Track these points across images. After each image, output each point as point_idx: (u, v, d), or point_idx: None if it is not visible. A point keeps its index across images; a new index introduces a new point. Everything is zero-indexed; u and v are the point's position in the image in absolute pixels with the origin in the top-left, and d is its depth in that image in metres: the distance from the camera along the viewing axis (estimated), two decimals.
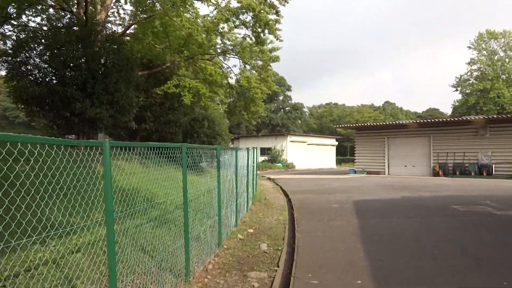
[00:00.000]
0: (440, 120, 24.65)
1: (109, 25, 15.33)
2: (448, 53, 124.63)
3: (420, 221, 9.32)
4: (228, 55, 17.03)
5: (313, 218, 10.26)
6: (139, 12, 15.15)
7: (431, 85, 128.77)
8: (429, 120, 24.33)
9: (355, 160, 29.06)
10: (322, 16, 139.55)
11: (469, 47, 53.52)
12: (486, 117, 24.16)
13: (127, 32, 15.49)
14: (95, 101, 11.85)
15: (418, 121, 24.48)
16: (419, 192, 15.47)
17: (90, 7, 13.09)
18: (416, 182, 20.22)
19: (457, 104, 57.03)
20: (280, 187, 20.26)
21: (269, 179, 26.35)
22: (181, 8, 12.55)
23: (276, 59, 16.83)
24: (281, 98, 77.65)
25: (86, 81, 11.74)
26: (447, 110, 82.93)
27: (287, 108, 77.41)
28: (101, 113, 11.88)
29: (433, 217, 9.82)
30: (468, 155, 23.19)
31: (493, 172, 22.16)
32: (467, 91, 54.21)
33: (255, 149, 17.13)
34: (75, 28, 12.94)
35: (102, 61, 12.62)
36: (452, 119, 23.88)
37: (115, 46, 12.92)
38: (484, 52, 53.01)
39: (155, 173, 6.22)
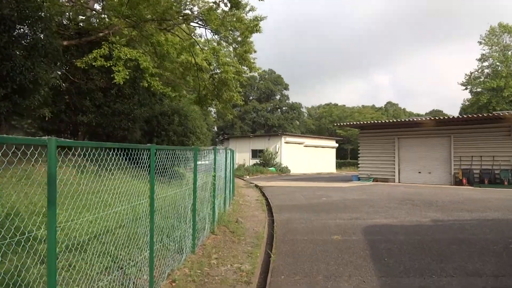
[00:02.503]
0: (464, 116, 20.32)
1: None
2: (449, 54, 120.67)
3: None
4: (192, 24, 12.83)
5: (300, 269, 5.96)
6: None
7: (432, 87, 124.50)
8: (449, 117, 20.08)
9: (358, 165, 24.73)
10: (321, 20, 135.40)
11: (480, 42, 49.23)
12: None
13: None
14: None
15: (435, 118, 20.25)
16: (453, 211, 11.14)
17: None
18: (439, 194, 15.90)
19: (467, 103, 52.76)
20: (266, 199, 16.01)
21: (256, 186, 22.05)
22: None
23: (256, 28, 12.54)
24: (278, 97, 73.46)
25: None
26: (452, 111, 78.86)
27: (284, 108, 73.13)
28: None
29: None
30: (499, 160, 18.88)
31: None
32: (478, 89, 49.95)
33: (228, 152, 12.81)
34: None
35: None
36: (478, 115, 19.55)
37: None
38: (496, 47, 48.80)
39: None
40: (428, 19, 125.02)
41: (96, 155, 3.81)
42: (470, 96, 52.47)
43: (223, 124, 72.05)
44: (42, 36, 9.45)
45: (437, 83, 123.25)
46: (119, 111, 13.48)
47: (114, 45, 10.42)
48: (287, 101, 73.58)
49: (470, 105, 50.60)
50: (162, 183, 6.59)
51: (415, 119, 20.83)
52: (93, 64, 10.30)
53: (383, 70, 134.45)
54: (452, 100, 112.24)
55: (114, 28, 10.90)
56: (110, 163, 4.26)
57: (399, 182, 22.30)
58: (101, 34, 11.07)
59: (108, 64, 10.35)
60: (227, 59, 12.70)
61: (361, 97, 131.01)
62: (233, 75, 12.66)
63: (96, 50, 10.23)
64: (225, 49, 13.95)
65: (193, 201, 6.83)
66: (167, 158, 5.78)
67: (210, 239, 7.99)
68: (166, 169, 5.97)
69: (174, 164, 6.26)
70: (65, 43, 10.48)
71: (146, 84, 11.18)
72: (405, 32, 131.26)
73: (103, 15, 11.73)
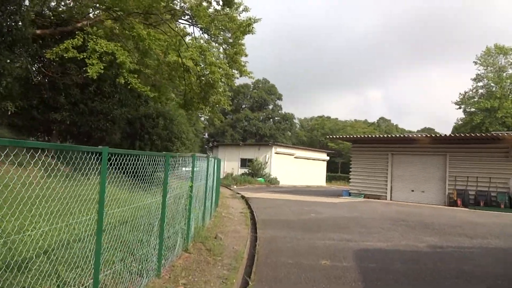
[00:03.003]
0: (461, 135, 19.59)
1: None
2: (443, 73, 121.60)
3: None
4: (180, 21, 11.93)
5: None
6: None
7: (424, 105, 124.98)
8: (446, 135, 19.36)
9: (350, 180, 23.88)
10: (316, 32, 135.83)
11: (475, 62, 49.18)
12: None
13: None
14: None
15: (431, 135, 19.51)
16: (452, 236, 10.28)
17: None
18: (434, 215, 15.08)
19: (460, 123, 52.51)
20: (252, 211, 15.07)
21: (243, 197, 21.07)
22: None
23: (249, 28, 11.66)
24: (270, 107, 72.76)
25: None
26: (444, 130, 78.82)
27: (276, 118, 72.36)
28: None
29: None
30: (495, 182, 18.17)
31: None
32: (472, 109, 49.76)
33: (211, 160, 11.87)
34: None
35: None
36: (476, 135, 18.87)
37: None
38: (491, 68, 48.76)
39: None
40: (424, 37, 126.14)
41: (68, 157, 3.47)
42: (463, 116, 52.36)
43: (214, 131, 71.05)
44: (9, 21, 8.50)
45: (430, 102, 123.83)
46: (97, 110, 12.50)
47: (89, 36, 9.45)
48: (279, 111, 72.87)
49: (463, 124, 50.37)
50: (135, 191, 5.67)
51: (410, 135, 20.12)
52: (65, 55, 9.30)
53: (376, 86, 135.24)
54: (444, 118, 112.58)
55: (94, 20, 9.96)
56: (87, 167, 3.90)
57: (391, 199, 21.48)
58: (79, 25, 10.12)
59: (81, 56, 9.35)
60: (215, 59, 11.76)
61: (353, 111, 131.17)
62: (220, 77, 11.72)
63: (69, 41, 9.24)
64: (214, 49, 13.03)
65: (161, 215, 5.86)
66: (135, 164, 4.88)
67: (182, 258, 7.00)
68: (141, 176, 5.10)
69: (146, 173, 5.37)
70: (38, 31, 9.49)
71: (123, 81, 10.19)
72: (400, 48, 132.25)
73: (83, 5, 10.79)
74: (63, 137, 13.08)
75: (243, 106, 71.95)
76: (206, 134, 73.28)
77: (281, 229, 10.64)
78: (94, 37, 9.23)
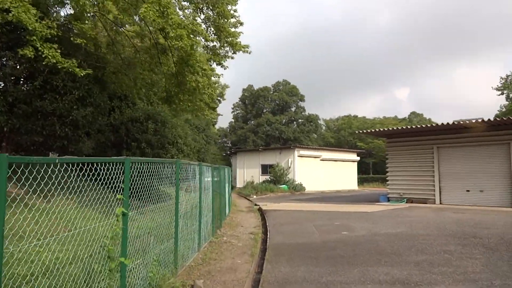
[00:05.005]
0: None
1: None
2: (472, 65, 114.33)
3: None
4: None
5: None
6: None
7: (455, 99, 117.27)
8: (510, 118, 15.19)
9: (387, 181, 19.99)
10: (337, 31, 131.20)
11: None
12: None
13: None
14: None
15: (489, 120, 15.45)
16: None
17: None
18: (510, 223, 11.22)
19: (503, 110, 47.19)
20: (265, 230, 11.76)
21: (259, 210, 17.68)
22: None
23: None
24: (293, 109, 69.09)
25: None
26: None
27: (300, 120, 68.56)
28: None
29: None
30: None
31: None
32: None
33: (207, 170, 8.58)
34: None
35: None
36: None
37: None
38: None
39: None
40: (446, 33, 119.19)
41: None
42: (506, 102, 47.09)
43: (235, 138, 68.03)
44: None
45: (462, 94, 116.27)
46: (47, 111, 9.44)
47: None
48: (303, 113, 69.08)
49: (508, 111, 45.11)
50: None
51: (461, 122, 16.15)
52: None
53: (402, 83, 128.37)
54: (481, 108, 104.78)
55: None
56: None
57: (440, 203, 17.52)
58: None
59: None
60: (178, 18, 8.43)
61: (380, 110, 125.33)
62: (195, 46, 8.41)
63: None
64: (190, 12, 9.67)
65: None
66: None
67: None
68: None
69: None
70: None
71: (32, 53, 7.07)
72: (425, 42, 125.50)
73: None
74: (12, 149, 10.13)
75: (264, 110, 68.66)
76: (230, 142, 70.33)
77: (300, 262, 7.20)
78: None
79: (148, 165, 5.59)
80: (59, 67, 7.34)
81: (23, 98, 9.10)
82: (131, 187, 4.58)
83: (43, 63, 7.16)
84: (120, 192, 4.28)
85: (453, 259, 7.06)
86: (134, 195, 4.78)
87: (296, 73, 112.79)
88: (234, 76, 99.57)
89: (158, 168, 5.92)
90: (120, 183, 4.30)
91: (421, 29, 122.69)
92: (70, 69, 7.49)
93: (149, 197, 5.62)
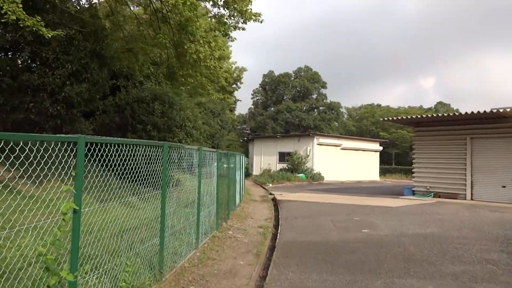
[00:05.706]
0: None
1: None
2: (499, 54, 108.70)
3: None
4: None
5: None
6: None
7: (484, 89, 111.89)
8: None
9: (413, 173, 18.50)
10: (361, 17, 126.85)
11: None
12: None
13: None
14: None
15: None
16: None
17: None
18: None
19: None
20: (277, 224, 10.69)
21: (273, 200, 16.60)
22: None
23: None
24: (314, 96, 67.22)
25: None
26: None
27: (321, 108, 66.74)
28: None
29: None
30: None
31: None
32: None
33: (202, 153, 7.49)
34: None
35: None
36: None
37: None
38: None
39: None
40: (470, 23, 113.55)
41: None
42: None
43: (254, 124, 66.86)
44: None
45: (492, 84, 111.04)
46: (34, 85, 8.49)
47: None
48: (324, 101, 67.17)
49: None
50: None
51: (500, 110, 14.54)
52: None
53: (427, 72, 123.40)
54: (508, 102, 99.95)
55: None
56: None
57: (471, 199, 16.00)
58: None
59: None
60: None
61: (404, 99, 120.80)
62: (192, 8, 7.24)
63: None
64: None
65: None
66: None
67: None
68: None
69: None
70: None
71: None
72: (451, 30, 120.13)
73: None
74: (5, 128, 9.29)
75: (285, 96, 67.08)
76: (249, 129, 69.20)
77: (312, 267, 6.08)
78: None
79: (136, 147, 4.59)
80: (21, 25, 6.35)
81: (8, 71, 8.19)
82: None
83: (2, 20, 6.16)
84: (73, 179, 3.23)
85: (499, 272, 5.79)
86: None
87: (318, 60, 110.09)
88: (256, 62, 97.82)
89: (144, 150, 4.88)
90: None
91: (450, 15, 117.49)
92: (34, 28, 6.47)
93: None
